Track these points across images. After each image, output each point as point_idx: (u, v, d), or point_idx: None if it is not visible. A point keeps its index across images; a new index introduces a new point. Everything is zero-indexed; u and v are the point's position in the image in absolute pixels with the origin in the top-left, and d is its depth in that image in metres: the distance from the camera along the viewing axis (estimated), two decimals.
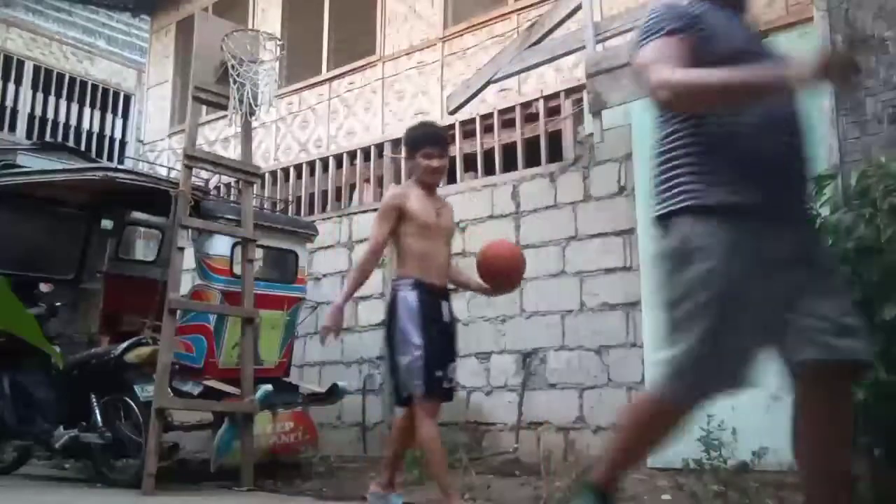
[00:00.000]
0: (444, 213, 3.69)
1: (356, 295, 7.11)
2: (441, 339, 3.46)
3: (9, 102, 11.06)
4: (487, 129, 6.71)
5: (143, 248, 8.04)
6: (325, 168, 8.00)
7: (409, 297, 3.44)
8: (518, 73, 6.06)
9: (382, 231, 3.53)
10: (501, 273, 3.77)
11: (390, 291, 3.61)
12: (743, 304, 1.92)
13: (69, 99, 11.69)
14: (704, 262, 1.96)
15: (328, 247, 7.44)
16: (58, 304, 5.42)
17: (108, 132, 12.05)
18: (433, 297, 3.50)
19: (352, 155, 7.79)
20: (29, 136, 10.91)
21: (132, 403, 4.89)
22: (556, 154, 6.25)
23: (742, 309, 1.92)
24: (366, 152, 7.60)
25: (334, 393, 5.76)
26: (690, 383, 1.98)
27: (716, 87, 1.92)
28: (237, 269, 5.41)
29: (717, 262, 1.95)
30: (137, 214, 6.67)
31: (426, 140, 3.70)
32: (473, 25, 7.09)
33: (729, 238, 1.96)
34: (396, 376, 3.50)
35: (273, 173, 8.42)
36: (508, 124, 6.61)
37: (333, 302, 3.56)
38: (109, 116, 12.11)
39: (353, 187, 7.78)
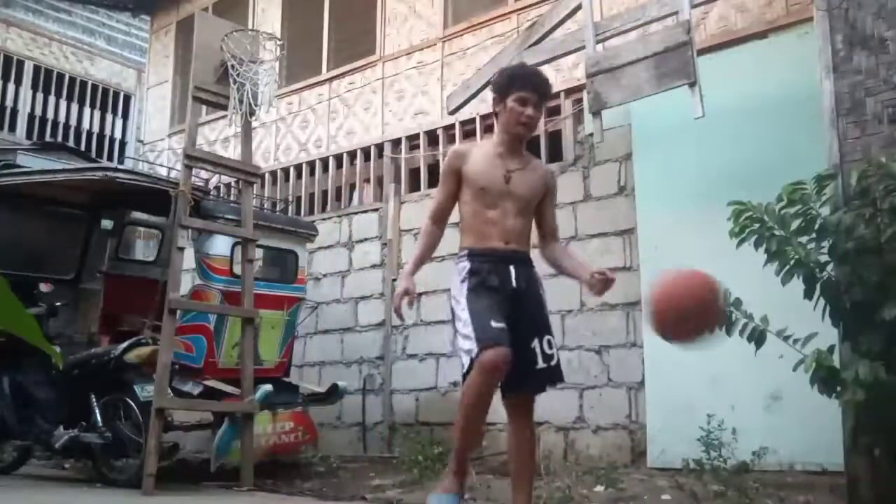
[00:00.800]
0: (522, 179, 3.00)
1: (356, 295, 7.19)
2: (503, 306, 2.81)
3: (9, 102, 11.05)
4: (487, 129, 6.70)
5: (143, 248, 8.04)
6: (325, 168, 8.00)
7: (460, 268, 2.93)
8: None
9: (442, 194, 3.04)
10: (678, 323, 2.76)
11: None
12: None
13: (69, 99, 11.69)
14: None
15: (328, 247, 7.44)
16: (58, 304, 5.42)
17: (108, 132, 12.05)
18: (494, 262, 2.89)
19: (352, 155, 7.79)
20: (29, 136, 10.91)
21: (132, 403, 4.89)
22: (556, 154, 6.25)
23: None
24: (366, 152, 7.60)
25: (334, 393, 5.76)
26: None
27: None
28: (237, 269, 5.41)
29: None
30: (137, 214, 6.67)
31: (522, 82, 2.99)
32: (473, 25, 7.09)
33: None
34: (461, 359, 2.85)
35: (273, 173, 8.42)
36: None
37: (403, 269, 3.05)
38: (109, 116, 12.11)
39: (353, 187, 7.78)
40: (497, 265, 2.89)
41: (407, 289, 2.90)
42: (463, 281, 2.89)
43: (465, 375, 2.75)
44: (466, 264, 2.91)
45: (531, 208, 3.07)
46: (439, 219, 3.06)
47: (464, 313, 2.80)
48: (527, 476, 2.89)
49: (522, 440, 2.90)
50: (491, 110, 3.15)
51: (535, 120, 3.04)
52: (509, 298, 2.86)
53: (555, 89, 6.42)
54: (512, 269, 2.91)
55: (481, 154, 3.02)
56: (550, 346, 2.92)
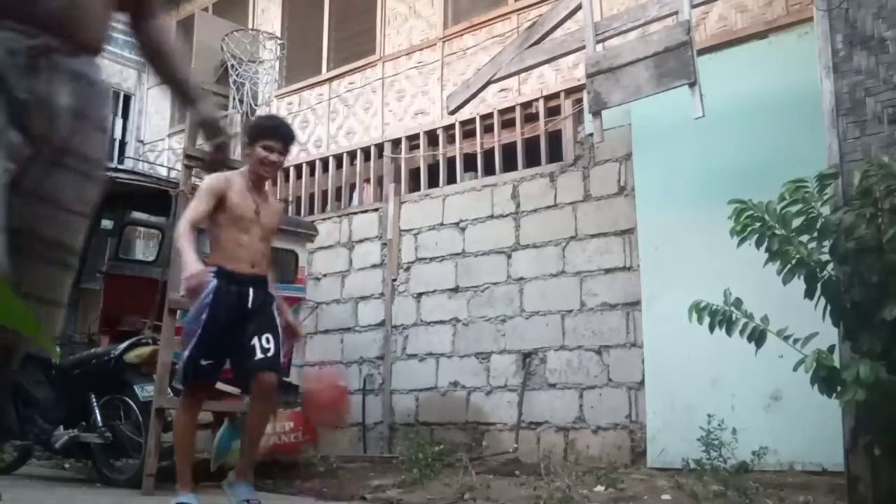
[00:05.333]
0: (266, 211, 3.67)
1: (356, 295, 7.19)
2: (234, 327, 3.50)
3: None
4: (487, 129, 6.70)
5: (143, 248, 8.04)
6: (325, 168, 8.00)
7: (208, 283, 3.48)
8: (518, 73, 6.06)
9: (198, 210, 3.53)
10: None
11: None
12: None
13: None
14: None
15: (328, 247, 7.44)
16: None
17: None
18: (237, 284, 3.55)
19: (352, 155, 7.79)
20: None
21: (132, 403, 4.88)
22: (556, 154, 6.25)
23: None
24: (366, 152, 7.60)
25: None
26: None
27: None
28: None
29: None
30: (137, 214, 6.67)
31: (270, 132, 3.64)
32: (473, 25, 7.09)
33: None
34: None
35: None
36: (508, 124, 6.61)
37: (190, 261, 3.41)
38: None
39: (353, 187, 7.78)
40: (241, 287, 3.56)
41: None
42: (206, 297, 3.48)
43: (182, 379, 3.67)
44: (214, 282, 3.49)
45: (269, 238, 3.74)
46: (193, 229, 3.54)
47: (193, 335, 3.51)
48: (257, 437, 3.74)
49: (256, 414, 3.65)
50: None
51: (279, 164, 3.69)
52: (244, 314, 3.54)
53: (555, 89, 6.46)
54: (251, 290, 3.57)
55: (238, 187, 3.58)
56: (269, 342, 3.54)
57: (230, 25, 5.72)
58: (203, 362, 3.52)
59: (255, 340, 3.48)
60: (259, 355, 3.47)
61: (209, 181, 3.60)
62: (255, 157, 3.58)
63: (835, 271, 3.30)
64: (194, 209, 3.53)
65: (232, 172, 3.64)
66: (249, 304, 3.55)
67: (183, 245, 3.44)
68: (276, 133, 3.63)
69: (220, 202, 3.53)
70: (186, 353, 3.53)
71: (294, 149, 3.84)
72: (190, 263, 3.32)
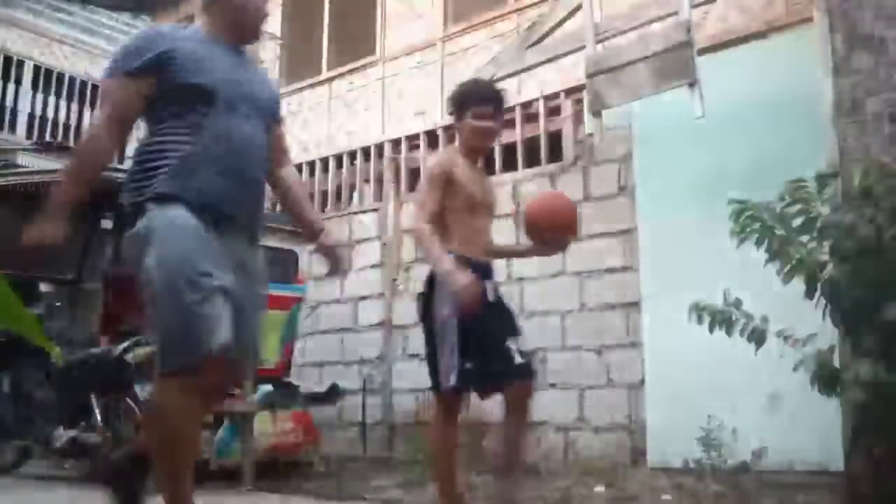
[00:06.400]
0: (488, 188, 3.25)
1: (356, 295, 7.19)
2: (482, 322, 2.94)
3: (9, 102, 11.03)
4: None
5: None
6: (325, 168, 8.00)
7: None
8: (518, 73, 6.06)
9: (434, 200, 3.02)
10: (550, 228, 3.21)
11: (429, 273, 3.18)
12: None
13: (69, 99, 11.66)
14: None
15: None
16: (58, 304, 5.41)
17: None
18: (478, 273, 3.02)
19: (352, 155, 7.79)
20: (29, 136, 10.90)
21: (132, 403, 4.89)
22: (556, 154, 6.25)
23: None
24: (366, 152, 7.60)
25: (334, 393, 5.76)
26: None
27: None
28: None
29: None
30: None
31: (479, 97, 3.14)
32: (473, 25, 7.09)
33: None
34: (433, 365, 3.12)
35: None
36: (508, 124, 6.60)
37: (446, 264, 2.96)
38: None
39: (353, 187, 7.78)
40: (479, 278, 2.96)
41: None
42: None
43: (442, 388, 3.06)
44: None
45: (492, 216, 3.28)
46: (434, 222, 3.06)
47: (449, 337, 3.00)
48: (519, 448, 3.26)
49: (516, 424, 3.10)
50: None
51: (496, 132, 3.23)
52: (486, 306, 2.97)
53: (555, 89, 6.45)
54: (487, 279, 3.08)
55: (461, 165, 3.10)
56: (524, 345, 3.08)
57: None
58: (467, 365, 2.96)
59: (511, 342, 3.01)
60: (518, 360, 3.00)
61: (435, 164, 3.18)
62: (468, 128, 3.10)
63: (835, 271, 3.29)
64: (430, 201, 3.03)
65: (450, 149, 3.27)
66: (490, 297, 3.05)
67: (435, 252, 3.00)
68: (485, 97, 3.14)
69: (449, 185, 3.03)
70: (451, 360, 2.99)
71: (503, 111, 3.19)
72: (455, 273, 2.87)
